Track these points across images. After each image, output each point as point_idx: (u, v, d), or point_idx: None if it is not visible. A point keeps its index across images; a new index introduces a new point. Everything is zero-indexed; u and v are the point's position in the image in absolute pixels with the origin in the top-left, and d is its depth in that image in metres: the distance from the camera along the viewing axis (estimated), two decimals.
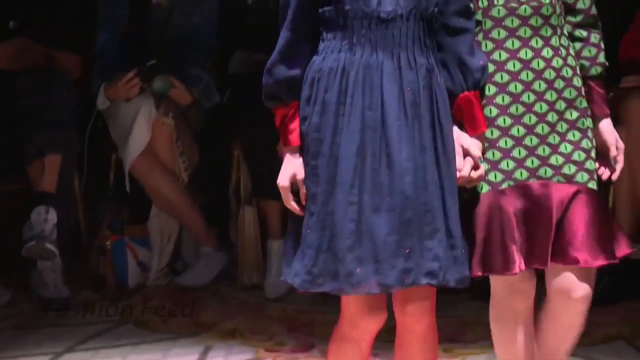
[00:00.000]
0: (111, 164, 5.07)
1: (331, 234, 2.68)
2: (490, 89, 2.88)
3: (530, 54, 2.90)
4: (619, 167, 3.05)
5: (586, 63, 3.02)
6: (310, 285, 2.80)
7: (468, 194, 2.96)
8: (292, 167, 2.83)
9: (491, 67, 2.88)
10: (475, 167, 2.80)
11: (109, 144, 5.02)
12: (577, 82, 2.95)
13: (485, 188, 2.90)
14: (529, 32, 2.94)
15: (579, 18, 3.02)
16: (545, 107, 2.91)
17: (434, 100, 2.76)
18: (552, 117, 2.92)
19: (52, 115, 4.75)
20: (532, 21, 2.94)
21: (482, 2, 2.86)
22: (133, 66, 4.84)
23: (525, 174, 2.94)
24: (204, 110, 4.90)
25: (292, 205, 2.80)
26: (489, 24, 2.85)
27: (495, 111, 2.90)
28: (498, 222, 2.90)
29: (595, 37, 3.03)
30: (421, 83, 2.75)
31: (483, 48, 2.91)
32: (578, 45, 3.00)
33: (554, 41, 2.91)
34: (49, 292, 4.52)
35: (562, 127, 2.95)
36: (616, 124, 4.50)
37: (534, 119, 2.91)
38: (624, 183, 5.08)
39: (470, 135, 2.77)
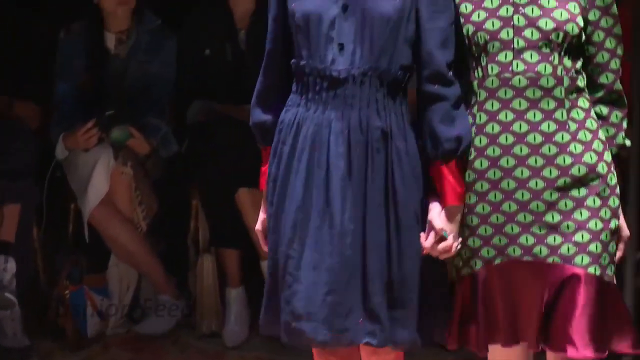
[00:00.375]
0: (70, 213, 5.05)
1: (274, 283, 2.71)
2: (483, 163, 2.76)
3: (525, 127, 2.74)
4: (617, 256, 2.87)
5: None
6: (264, 329, 2.86)
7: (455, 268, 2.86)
8: (262, 212, 2.86)
9: (484, 141, 2.75)
10: (441, 239, 2.70)
11: (68, 193, 5.01)
12: (591, 158, 2.76)
13: (478, 264, 2.78)
14: (524, 104, 2.78)
15: (600, 93, 2.85)
16: (541, 183, 2.74)
17: (388, 165, 2.68)
18: (550, 194, 2.74)
19: (10, 164, 4.73)
20: (529, 93, 2.77)
21: (478, 73, 2.75)
22: (92, 116, 4.85)
23: (518, 250, 2.79)
24: (162, 160, 4.91)
25: (265, 249, 2.82)
26: (483, 95, 2.73)
27: (486, 186, 2.78)
28: (480, 297, 2.79)
29: (616, 116, 2.85)
30: (373, 146, 2.69)
31: (477, 120, 2.77)
32: (599, 122, 2.83)
33: (559, 115, 2.74)
34: (8, 342, 4.49)
35: (567, 205, 2.77)
36: None
37: (527, 195, 2.75)
38: None
39: (442, 207, 2.68)
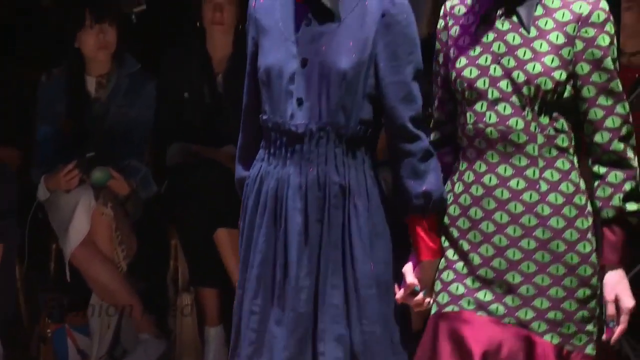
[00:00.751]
0: (52, 253, 5.07)
1: (237, 338, 2.71)
2: (455, 210, 2.68)
3: (494, 180, 2.64)
4: (618, 329, 2.64)
5: (598, 203, 2.64)
6: None
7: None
8: None
9: (460, 187, 2.67)
10: (413, 293, 2.65)
11: (50, 233, 5.03)
12: (558, 223, 2.61)
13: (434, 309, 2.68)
14: (496, 157, 2.67)
15: (597, 152, 2.64)
16: (504, 241, 2.64)
17: (345, 222, 2.65)
18: (513, 253, 2.63)
19: None
20: (500, 147, 2.65)
21: (461, 119, 2.65)
22: (73, 158, 4.90)
23: (472, 304, 2.66)
24: (142, 200, 4.97)
25: None
26: (464, 141, 2.65)
27: (456, 233, 2.69)
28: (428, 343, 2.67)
29: (614, 177, 2.61)
30: (331, 202, 2.66)
31: (460, 167, 2.69)
32: (596, 182, 2.63)
33: (530, 173, 2.62)
34: None
35: (530, 267, 2.64)
36: None
37: (491, 250, 2.65)
38: None
39: (416, 262, 2.63)
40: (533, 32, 2.63)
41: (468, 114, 2.62)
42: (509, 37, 2.64)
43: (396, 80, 2.65)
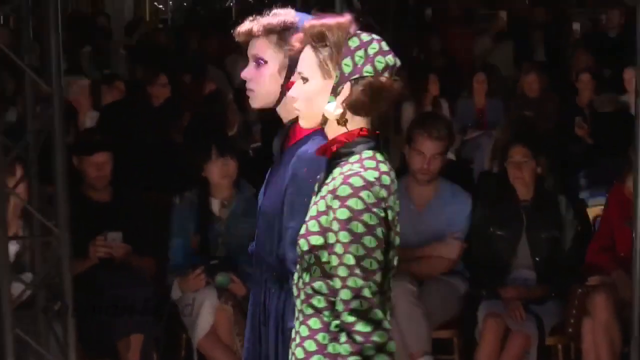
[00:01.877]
0: (182, 342, 5.41)
1: None
2: None
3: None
4: None
5: None
6: None
7: None
8: None
9: None
10: None
11: (181, 326, 5.36)
12: None
13: None
14: None
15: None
16: None
17: None
18: None
19: (134, 303, 5.14)
20: None
21: None
22: (200, 265, 5.29)
23: None
24: None
25: None
26: None
27: None
28: None
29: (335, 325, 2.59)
30: None
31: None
32: None
33: (296, 324, 2.72)
34: None
35: None
36: (585, 315, 4.85)
37: None
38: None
39: None
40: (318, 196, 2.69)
41: None
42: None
43: (289, 225, 2.83)
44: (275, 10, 3.12)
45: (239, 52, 6.25)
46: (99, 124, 7.33)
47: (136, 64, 9.95)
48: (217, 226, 5.58)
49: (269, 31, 3.06)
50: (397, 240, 2.68)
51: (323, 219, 2.57)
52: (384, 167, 2.62)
